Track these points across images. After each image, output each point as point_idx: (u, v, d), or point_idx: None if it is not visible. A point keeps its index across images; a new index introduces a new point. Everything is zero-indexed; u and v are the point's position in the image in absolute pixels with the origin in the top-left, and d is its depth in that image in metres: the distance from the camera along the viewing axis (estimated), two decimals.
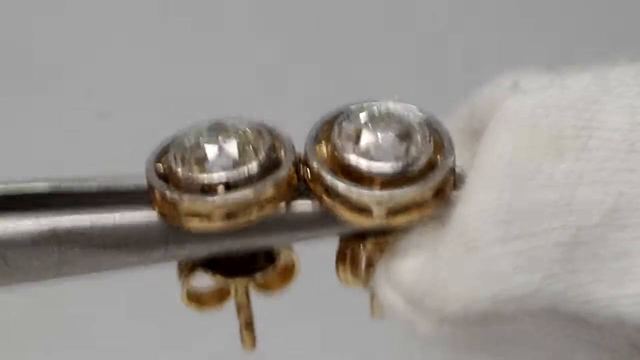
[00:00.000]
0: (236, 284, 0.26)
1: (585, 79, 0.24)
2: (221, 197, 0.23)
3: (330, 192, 0.24)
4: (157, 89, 0.68)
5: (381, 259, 0.25)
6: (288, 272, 0.28)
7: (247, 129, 0.25)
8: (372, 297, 0.27)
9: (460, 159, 0.24)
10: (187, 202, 0.23)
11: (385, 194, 0.23)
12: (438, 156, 0.24)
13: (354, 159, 0.24)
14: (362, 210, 0.23)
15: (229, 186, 0.23)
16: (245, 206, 0.23)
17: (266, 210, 0.24)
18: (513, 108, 0.24)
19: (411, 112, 0.25)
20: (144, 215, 0.25)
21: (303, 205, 0.24)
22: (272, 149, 0.25)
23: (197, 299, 0.27)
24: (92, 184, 0.26)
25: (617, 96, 0.24)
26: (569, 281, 0.22)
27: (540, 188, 0.23)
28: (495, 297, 0.22)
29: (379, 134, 0.24)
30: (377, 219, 0.23)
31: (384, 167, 0.23)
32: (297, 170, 0.25)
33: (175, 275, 0.27)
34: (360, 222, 0.24)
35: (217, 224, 0.24)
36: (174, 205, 0.24)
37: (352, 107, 0.25)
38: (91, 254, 0.24)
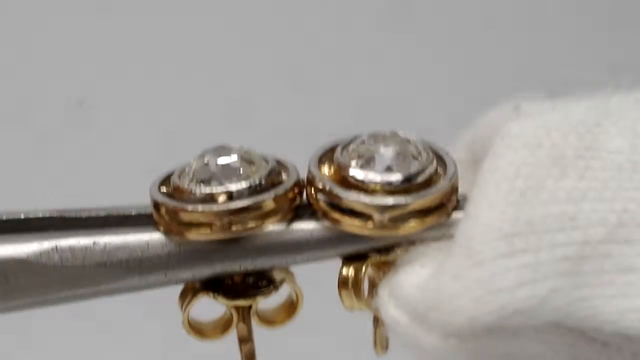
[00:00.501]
0: (238, 306, 0.26)
1: (586, 104, 0.25)
2: (222, 205, 0.23)
3: (334, 203, 0.24)
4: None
5: (384, 278, 0.24)
6: (291, 306, 0.27)
7: (251, 152, 0.25)
8: (376, 327, 0.26)
9: (463, 179, 0.25)
10: (190, 209, 0.23)
11: (388, 200, 0.23)
12: (440, 170, 0.24)
13: (357, 173, 0.24)
14: (366, 218, 0.23)
15: (231, 197, 0.24)
16: (246, 216, 0.24)
17: (266, 223, 0.24)
18: (515, 129, 0.24)
19: (412, 136, 0.25)
20: (146, 235, 0.25)
21: (306, 225, 0.25)
22: (276, 171, 0.25)
23: (198, 328, 0.26)
24: (97, 211, 0.26)
25: (618, 119, 0.24)
26: (574, 295, 0.22)
27: (545, 204, 0.23)
28: (500, 310, 0.22)
29: (382, 149, 0.24)
30: (379, 227, 0.23)
31: (387, 178, 0.23)
32: (300, 193, 0.25)
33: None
34: (364, 230, 0.23)
35: (218, 234, 0.24)
36: (175, 214, 0.24)
37: (355, 134, 0.25)
38: (93, 271, 0.24)
